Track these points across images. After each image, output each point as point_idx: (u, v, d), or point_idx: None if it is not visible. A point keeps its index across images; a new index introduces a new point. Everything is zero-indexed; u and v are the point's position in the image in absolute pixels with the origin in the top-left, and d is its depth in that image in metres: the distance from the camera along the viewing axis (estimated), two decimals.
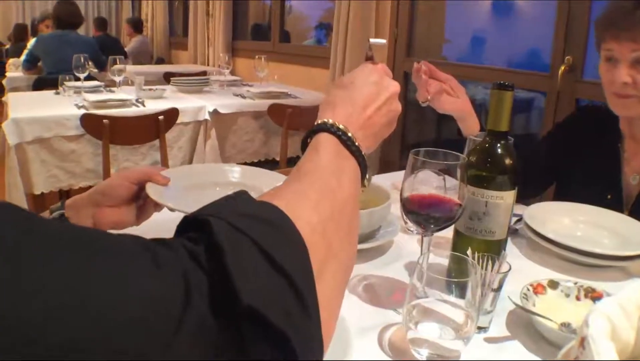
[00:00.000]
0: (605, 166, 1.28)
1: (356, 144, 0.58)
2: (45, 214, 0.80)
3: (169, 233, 0.42)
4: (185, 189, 0.91)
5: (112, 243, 0.36)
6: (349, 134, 0.58)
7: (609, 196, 1.24)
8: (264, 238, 0.39)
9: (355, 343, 0.71)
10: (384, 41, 0.75)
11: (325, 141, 0.57)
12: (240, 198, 0.46)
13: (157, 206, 0.88)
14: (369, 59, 0.72)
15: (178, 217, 0.44)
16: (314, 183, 0.51)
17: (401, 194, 0.77)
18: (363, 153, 0.58)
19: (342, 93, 0.64)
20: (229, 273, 0.36)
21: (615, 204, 1.19)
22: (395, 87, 0.67)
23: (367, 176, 0.61)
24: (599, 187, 1.26)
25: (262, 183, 0.95)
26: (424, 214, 0.76)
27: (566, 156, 1.35)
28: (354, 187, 0.56)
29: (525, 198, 1.30)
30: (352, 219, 0.53)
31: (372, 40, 0.73)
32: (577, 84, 2.33)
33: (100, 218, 0.82)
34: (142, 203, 0.88)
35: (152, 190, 0.84)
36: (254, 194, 0.49)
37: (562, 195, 1.32)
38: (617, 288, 0.85)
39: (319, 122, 0.59)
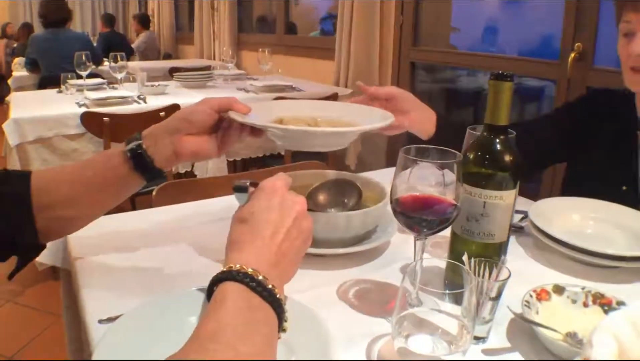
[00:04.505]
0: (619, 156, 1.20)
1: (269, 287, 0.53)
2: (121, 146, 0.77)
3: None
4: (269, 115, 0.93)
5: None
6: (259, 278, 0.52)
7: (624, 188, 1.17)
8: None
9: (340, 355, 0.65)
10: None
11: (231, 292, 0.51)
12: None
13: (242, 133, 0.86)
14: (253, 185, 0.65)
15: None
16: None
17: (391, 195, 0.72)
18: (278, 296, 0.53)
19: (245, 228, 0.59)
20: None
21: (631, 197, 1.11)
22: (300, 204, 0.62)
23: (286, 319, 0.55)
24: (613, 178, 1.19)
25: (349, 116, 0.97)
26: (416, 216, 0.70)
27: (572, 140, 1.27)
28: (267, 348, 0.50)
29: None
30: None
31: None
32: (588, 71, 2.24)
33: (180, 147, 0.79)
34: (222, 134, 0.85)
35: (235, 113, 0.82)
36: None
37: (572, 187, 1.25)
38: (629, 292, 0.79)
39: (225, 268, 0.54)
